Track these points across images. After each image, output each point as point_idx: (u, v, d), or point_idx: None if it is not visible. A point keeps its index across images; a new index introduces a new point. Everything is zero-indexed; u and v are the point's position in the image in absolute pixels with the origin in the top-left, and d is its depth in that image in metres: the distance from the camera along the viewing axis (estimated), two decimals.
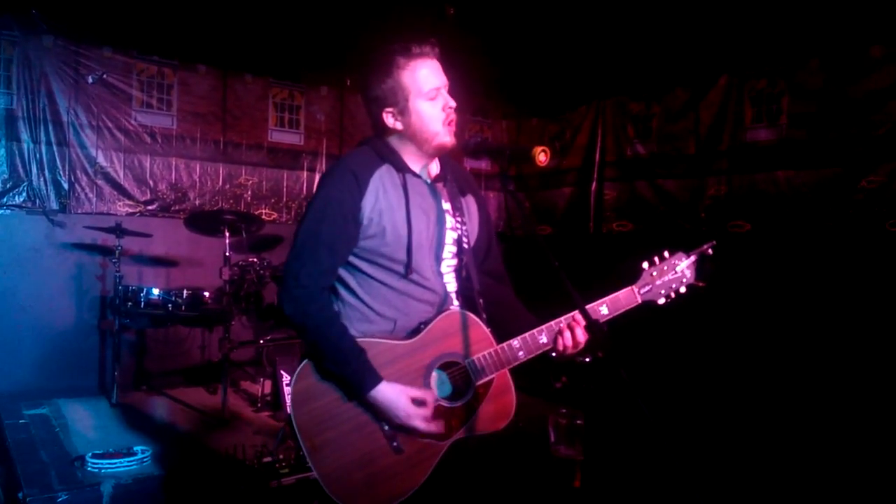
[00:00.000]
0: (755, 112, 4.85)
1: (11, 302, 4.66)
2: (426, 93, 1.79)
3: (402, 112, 1.81)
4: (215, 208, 5.34)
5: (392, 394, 1.70)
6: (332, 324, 1.76)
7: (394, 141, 1.88)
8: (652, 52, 5.24)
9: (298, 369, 1.75)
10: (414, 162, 1.88)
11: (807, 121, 4.54)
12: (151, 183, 5.23)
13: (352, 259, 1.82)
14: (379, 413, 1.73)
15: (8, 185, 4.71)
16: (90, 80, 4.90)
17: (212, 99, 5.46)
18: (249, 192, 5.66)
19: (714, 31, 4.81)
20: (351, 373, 1.70)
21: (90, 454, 3.19)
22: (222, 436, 3.81)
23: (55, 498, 2.84)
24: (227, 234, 4.37)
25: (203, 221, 4.66)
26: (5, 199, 4.71)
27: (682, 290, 1.93)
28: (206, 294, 4.44)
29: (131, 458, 3.19)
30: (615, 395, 3.60)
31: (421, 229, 1.82)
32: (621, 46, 5.27)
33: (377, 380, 1.70)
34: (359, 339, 1.75)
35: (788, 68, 4.63)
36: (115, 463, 3.14)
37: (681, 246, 2.00)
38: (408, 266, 1.80)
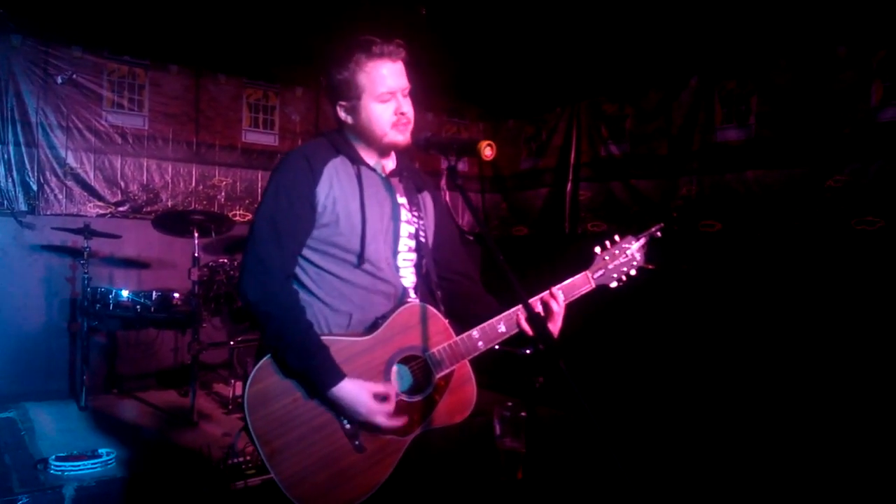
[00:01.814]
0: (725, 113, 4.90)
1: None
2: (378, 95, 1.78)
3: (353, 109, 1.82)
4: (188, 209, 5.29)
5: (354, 390, 1.67)
6: (301, 315, 1.72)
7: (349, 134, 1.88)
8: (625, 53, 5.27)
9: (253, 373, 1.68)
10: (368, 156, 1.88)
11: (775, 120, 4.59)
12: (122, 184, 5.16)
13: (305, 251, 1.80)
14: (340, 411, 1.70)
15: None
16: (59, 80, 4.85)
17: (184, 99, 5.41)
18: (223, 193, 5.62)
19: (686, 33, 4.85)
20: (314, 367, 1.65)
21: (53, 457, 3.15)
22: (190, 438, 3.78)
23: (15, 501, 2.80)
24: (196, 234, 4.32)
25: (171, 222, 4.60)
26: None
27: (633, 272, 1.96)
28: (176, 295, 4.40)
29: (95, 461, 3.16)
30: (559, 388, 3.60)
31: (375, 220, 1.81)
32: (596, 48, 5.30)
33: (340, 376, 1.66)
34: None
35: (758, 69, 4.68)
36: (79, 465, 3.10)
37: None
38: (361, 256, 1.78)
